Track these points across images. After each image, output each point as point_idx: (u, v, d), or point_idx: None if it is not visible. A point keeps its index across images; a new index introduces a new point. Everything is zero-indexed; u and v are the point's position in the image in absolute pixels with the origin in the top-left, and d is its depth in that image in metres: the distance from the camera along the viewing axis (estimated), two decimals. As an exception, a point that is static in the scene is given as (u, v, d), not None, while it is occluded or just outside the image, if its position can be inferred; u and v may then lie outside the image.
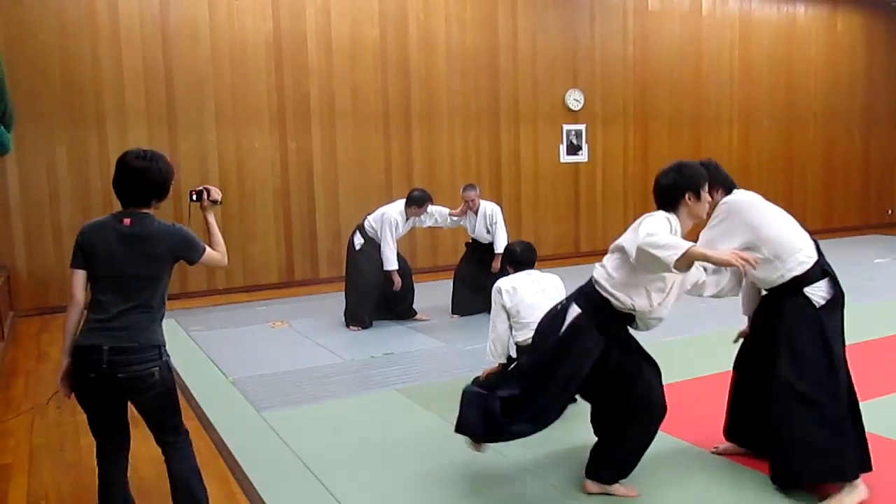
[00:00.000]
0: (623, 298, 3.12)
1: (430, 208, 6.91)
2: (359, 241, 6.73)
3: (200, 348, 6.17)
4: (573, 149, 10.89)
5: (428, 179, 9.66)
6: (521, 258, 4.52)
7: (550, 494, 3.35)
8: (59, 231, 7.79)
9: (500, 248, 6.86)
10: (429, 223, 7.08)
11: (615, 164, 11.27)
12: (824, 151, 13.46)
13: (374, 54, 9.31)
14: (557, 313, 3.28)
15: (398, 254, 6.75)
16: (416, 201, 6.71)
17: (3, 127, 7.21)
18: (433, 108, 9.75)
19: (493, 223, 6.94)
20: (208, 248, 2.95)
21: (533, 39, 10.40)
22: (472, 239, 7.18)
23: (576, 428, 4.08)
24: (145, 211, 2.80)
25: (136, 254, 2.73)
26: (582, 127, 10.92)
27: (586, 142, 10.98)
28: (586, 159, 11.01)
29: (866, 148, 13.99)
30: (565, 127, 10.80)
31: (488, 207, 7.00)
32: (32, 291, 7.68)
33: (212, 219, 3.13)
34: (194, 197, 3.14)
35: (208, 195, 3.13)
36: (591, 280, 3.26)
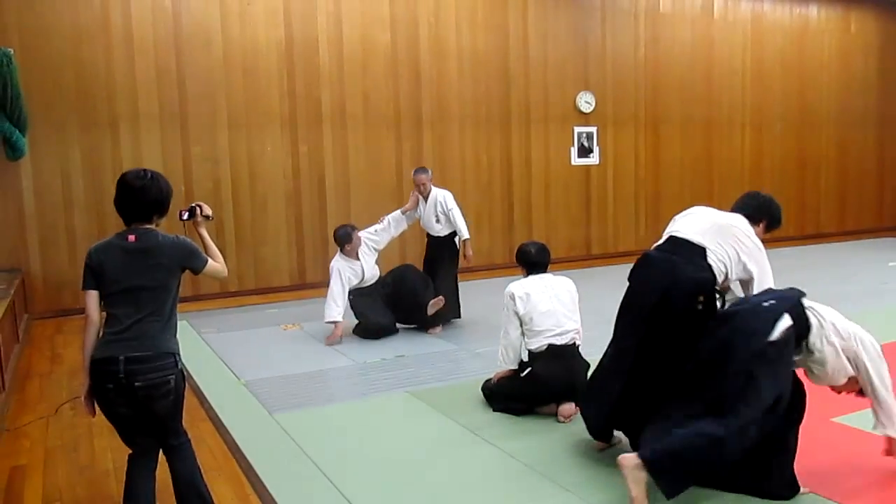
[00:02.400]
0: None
1: (385, 219, 6.72)
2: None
3: (213, 350, 6.21)
4: (584, 151, 10.88)
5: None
6: (535, 259, 4.50)
7: (563, 496, 3.35)
8: (73, 235, 7.86)
9: (463, 234, 6.62)
10: (393, 233, 6.77)
11: (626, 166, 11.25)
12: (838, 154, 13.39)
13: (385, 59, 9.34)
14: (764, 315, 3.09)
15: (391, 270, 6.60)
16: (343, 239, 6.36)
17: (17, 131, 7.30)
18: (444, 111, 9.77)
19: (446, 210, 6.64)
20: (210, 260, 3.03)
21: (543, 43, 10.41)
22: (427, 235, 6.91)
23: (571, 432, 4.08)
24: (148, 227, 2.89)
25: (142, 266, 2.81)
26: (593, 129, 10.92)
27: (597, 144, 10.97)
28: (597, 162, 11.00)
29: (880, 150, 13.91)
30: (576, 129, 10.79)
31: (440, 194, 6.71)
32: (47, 294, 7.75)
33: (206, 234, 3.21)
34: (185, 216, 3.21)
35: (200, 211, 3.21)
36: (796, 291, 3.24)
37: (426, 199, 6.74)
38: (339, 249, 6.44)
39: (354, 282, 6.42)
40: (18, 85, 7.23)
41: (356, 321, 6.54)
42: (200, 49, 8.36)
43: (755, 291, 3.39)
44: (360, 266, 6.43)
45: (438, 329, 6.56)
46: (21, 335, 6.73)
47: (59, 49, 7.73)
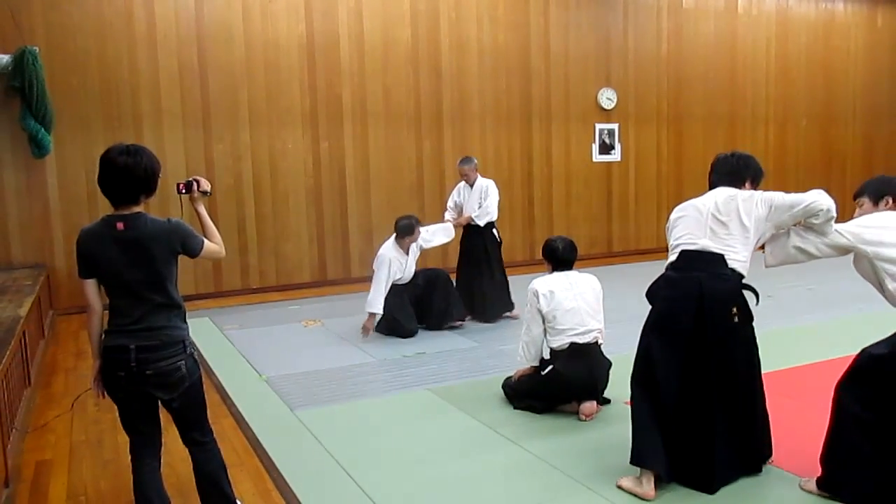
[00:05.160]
0: None
1: (430, 228, 6.71)
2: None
3: (234, 347, 6.24)
4: (606, 148, 10.82)
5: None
6: (562, 257, 4.45)
7: (584, 494, 3.34)
8: (97, 231, 7.92)
9: (480, 219, 6.72)
10: (444, 239, 6.76)
11: (648, 163, 11.17)
12: (864, 151, 13.19)
13: (405, 55, 9.34)
14: None
15: (422, 269, 6.55)
16: (405, 230, 6.35)
17: (42, 128, 7.39)
18: (465, 108, 9.76)
19: (485, 196, 6.75)
20: (206, 241, 2.93)
21: (565, 38, 10.36)
22: (463, 232, 6.95)
23: (593, 430, 4.06)
24: (136, 210, 2.77)
25: (137, 260, 2.73)
26: (615, 126, 10.85)
27: (619, 141, 10.91)
28: (619, 159, 10.93)
29: (908, 146, 13.69)
30: (598, 126, 10.73)
31: (484, 182, 6.86)
32: (71, 290, 7.81)
33: (203, 210, 3.07)
34: (183, 189, 3.07)
35: (198, 186, 3.07)
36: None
37: (472, 186, 6.88)
38: (393, 238, 6.41)
39: (397, 276, 6.40)
40: (44, 83, 7.32)
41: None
42: (222, 45, 8.41)
43: (806, 210, 3.18)
44: (407, 261, 6.42)
45: (460, 324, 6.61)
46: (46, 331, 6.82)
47: (84, 47, 7.81)
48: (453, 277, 6.88)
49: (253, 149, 8.64)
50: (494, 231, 6.92)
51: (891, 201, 3.29)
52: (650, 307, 3.48)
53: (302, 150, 8.90)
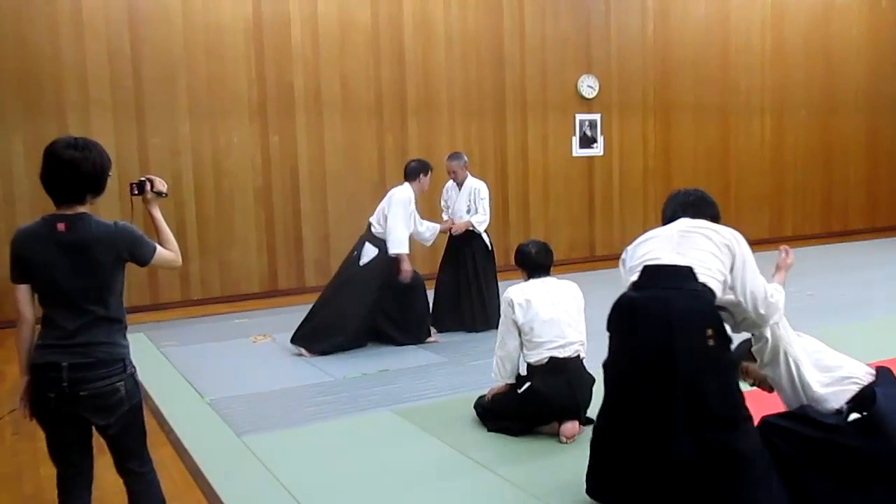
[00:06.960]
0: None
1: (427, 224, 6.83)
2: (370, 253, 6.39)
3: (173, 366, 6.19)
4: (587, 141, 10.92)
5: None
6: (536, 261, 4.47)
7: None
8: (16, 237, 7.79)
9: (477, 224, 6.85)
10: (428, 238, 6.87)
11: (634, 157, 11.29)
12: (867, 143, 13.46)
13: (365, 39, 9.34)
14: None
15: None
16: (418, 170, 6.56)
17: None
18: (431, 98, 9.78)
19: (478, 199, 6.88)
20: (159, 247, 2.90)
21: (542, 21, 10.43)
22: (449, 235, 7.03)
23: (575, 454, 4.09)
24: (80, 210, 2.74)
25: (78, 265, 2.69)
26: (597, 117, 10.95)
27: (601, 133, 11.01)
28: (602, 153, 11.04)
29: (915, 138, 14.00)
30: (578, 117, 10.83)
31: (475, 183, 6.97)
32: (-14, 304, 7.70)
33: (158, 213, 3.04)
34: (136, 190, 3.05)
35: (152, 186, 3.04)
36: None
37: (460, 186, 6.98)
38: (410, 180, 6.56)
39: (418, 227, 6.54)
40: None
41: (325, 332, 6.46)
42: (158, 28, 8.33)
43: (765, 301, 3.19)
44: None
45: (436, 339, 6.66)
46: (-43, 350, 6.68)
47: (-1, 29, 7.70)
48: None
49: (193, 143, 8.57)
50: (485, 237, 7.01)
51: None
52: (609, 337, 3.29)
53: (249, 144, 8.85)
